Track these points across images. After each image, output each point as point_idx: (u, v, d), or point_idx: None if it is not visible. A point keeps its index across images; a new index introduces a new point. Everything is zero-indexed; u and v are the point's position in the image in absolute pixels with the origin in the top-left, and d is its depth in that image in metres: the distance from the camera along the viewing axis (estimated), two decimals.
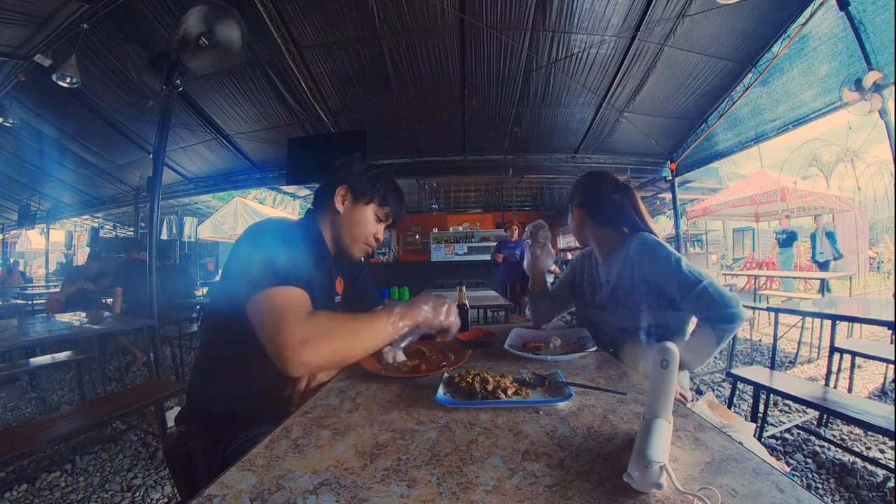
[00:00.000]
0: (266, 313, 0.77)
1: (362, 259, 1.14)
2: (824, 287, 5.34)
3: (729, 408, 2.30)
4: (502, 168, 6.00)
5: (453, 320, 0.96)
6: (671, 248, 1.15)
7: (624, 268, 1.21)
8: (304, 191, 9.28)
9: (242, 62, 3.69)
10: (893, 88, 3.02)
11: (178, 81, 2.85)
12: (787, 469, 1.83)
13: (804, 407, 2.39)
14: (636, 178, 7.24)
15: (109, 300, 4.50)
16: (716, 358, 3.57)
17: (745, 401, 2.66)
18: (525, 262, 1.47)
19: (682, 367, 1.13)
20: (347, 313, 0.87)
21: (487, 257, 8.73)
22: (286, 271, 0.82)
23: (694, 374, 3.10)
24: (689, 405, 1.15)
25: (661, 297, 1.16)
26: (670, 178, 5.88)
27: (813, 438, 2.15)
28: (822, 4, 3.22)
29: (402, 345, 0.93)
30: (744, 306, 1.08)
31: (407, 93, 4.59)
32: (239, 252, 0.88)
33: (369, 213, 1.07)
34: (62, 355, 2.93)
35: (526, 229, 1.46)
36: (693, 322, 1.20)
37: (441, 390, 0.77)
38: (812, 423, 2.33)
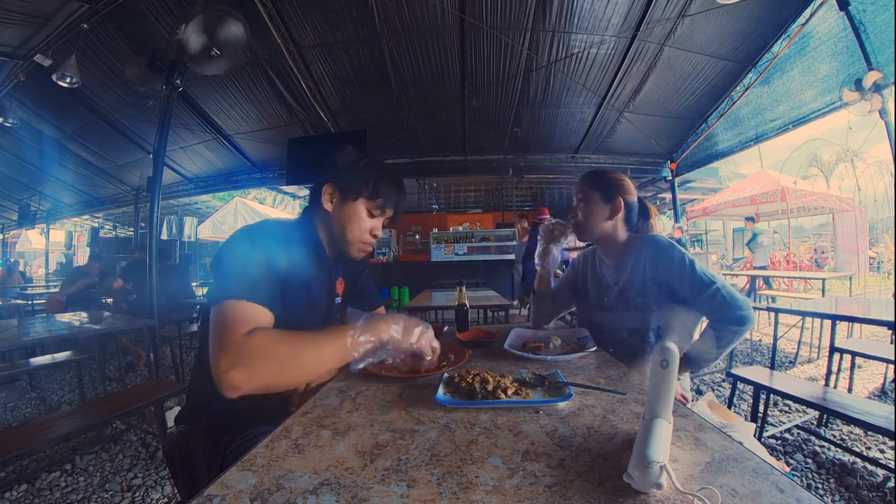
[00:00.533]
0: (211, 330, 0.74)
1: (362, 258, 1.10)
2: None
3: (729, 408, 2.30)
4: (502, 168, 6.00)
5: (426, 343, 0.86)
6: (684, 251, 1.16)
7: (635, 269, 1.21)
8: (304, 191, 9.28)
9: (242, 62, 3.69)
10: (893, 88, 3.02)
11: (178, 81, 2.85)
12: (787, 469, 1.83)
13: (804, 407, 2.39)
14: (636, 178, 7.23)
15: (110, 300, 4.50)
16: None
17: (745, 401, 2.66)
18: (537, 260, 1.44)
19: (691, 366, 1.15)
20: (300, 332, 0.78)
21: (488, 257, 8.72)
22: (250, 284, 0.78)
23: (694, 373, 3.10)
24: (689, 405, 1.15)
25: (672, 298, 1.16)
26: (670, 178, 5.89)
27: (813, 438, 2.15)
28: (822, 4, 3.22)
29: (362, 365, 0.81)
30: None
31: (407, 93, 4.60)
32: (222, 254, 0.86)
33: (359, 209, 0.99)
34: (62, 355, 2.92)
35: (546, 225, 1.42)
36: (702, 325, 1.20)
37: (441, 390, 0.77)
38: (812, 423, 2.33)
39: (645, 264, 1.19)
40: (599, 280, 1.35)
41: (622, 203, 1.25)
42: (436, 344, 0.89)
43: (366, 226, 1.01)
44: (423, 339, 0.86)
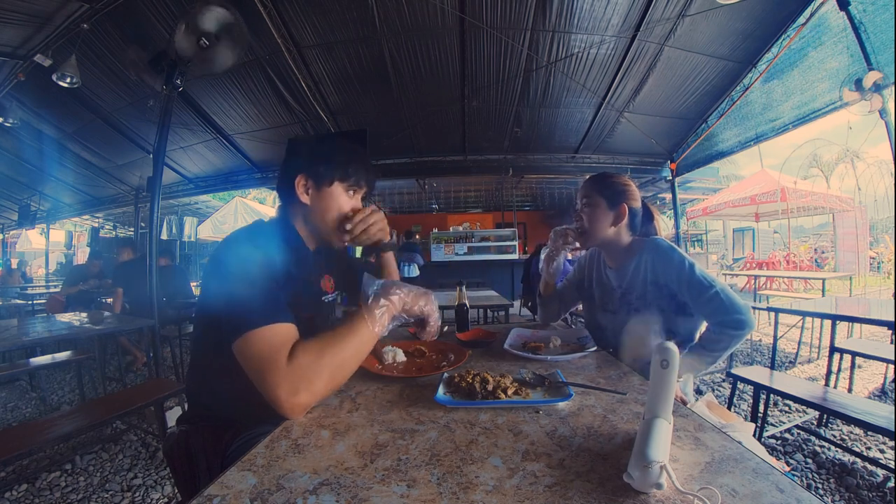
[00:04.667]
0: (250, 367, 0.74)
1: (348, 246, 1.07)
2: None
3: (729, 408, 2.30)
4: (502, 168, 6.00)
5: (433, 309, 0.87)
6: (685, 254, 1.16)
7: (637, 272, 1.21)
8: None
9: (242, 62, 3.68)
10: (893, 88, 3.02)
11: (178, 81, 2.85)
12: (787, 469, 1.83)
13: (804, 407, 2.39)
14: (636, 178, 7.23)
15: (110, 300, 4.50)
16: None
17: (745, 401, 2.66)
18: (542, 265, 1.42)
19: (688, 370, 1.14)
20: (327, 334, 0.78)
21: (487, 257, 8.72)
22: (262, 306, 0.77)
23: (693, 377, 3.10)
24: (688, 406, 1.15)
25: (672, 301, 1.16)
26: (670, 178, 5.89)
27: (813, 438, 2.15)
28: (821, 4, 3.22)
29: (386, 332, 0.87)
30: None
31: (407, 93, 4.59)
32: (218, 278, 0.85)
33: (337, 192, 0.99)
34: (62, 355, 2.92)
35: (557, 230, 1.39)
36: (701, 329, 1.20)
37: (441, 390, 0.78)
38: (812, 423, 2.33)
39: (646, 267, 1.19)
40: (604, 283, 1.35)
41: (626, 210, 1.24)
42: (435, 310, 0.89)
43: (347, 207, 1.01)
44: (429, 306, 0.87)
